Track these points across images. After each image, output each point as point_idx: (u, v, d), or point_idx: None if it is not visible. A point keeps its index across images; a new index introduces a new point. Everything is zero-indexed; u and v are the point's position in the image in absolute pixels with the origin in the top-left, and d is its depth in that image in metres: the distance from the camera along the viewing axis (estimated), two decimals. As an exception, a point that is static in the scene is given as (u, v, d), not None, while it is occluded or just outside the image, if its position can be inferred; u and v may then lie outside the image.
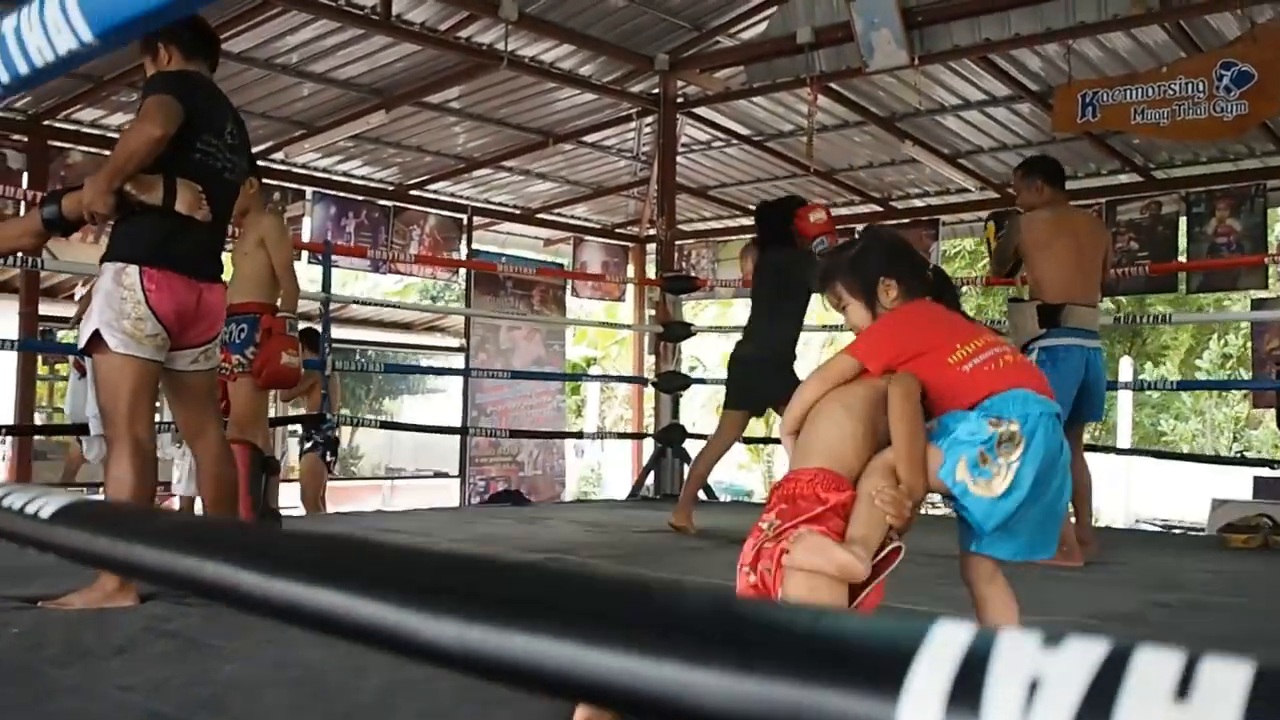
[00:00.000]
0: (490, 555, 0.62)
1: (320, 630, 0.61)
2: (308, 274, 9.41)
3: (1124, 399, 14.65)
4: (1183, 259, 9.23)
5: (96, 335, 3.36)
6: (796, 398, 2.36)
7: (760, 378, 5.50)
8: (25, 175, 8.13)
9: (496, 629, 0.52)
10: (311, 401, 8.69)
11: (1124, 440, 14.76)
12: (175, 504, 6.71)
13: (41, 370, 12.78)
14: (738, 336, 5.93)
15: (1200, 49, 7.31)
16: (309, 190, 9.98)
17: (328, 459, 8.86)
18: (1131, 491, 12.53)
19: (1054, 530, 2.30)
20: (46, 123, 8.31)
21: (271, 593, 0.62)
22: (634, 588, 0.51)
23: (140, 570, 0.73)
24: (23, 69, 0.95)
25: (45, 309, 8.99)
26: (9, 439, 8.46)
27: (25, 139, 8.29)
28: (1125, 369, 15.38)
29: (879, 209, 11.06)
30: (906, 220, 10.85)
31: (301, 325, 8.85)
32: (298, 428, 8.11)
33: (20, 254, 7.74)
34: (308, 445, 8.74)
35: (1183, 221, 9.24)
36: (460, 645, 0.53)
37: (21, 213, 7.03)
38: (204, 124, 3.43)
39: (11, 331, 8.24)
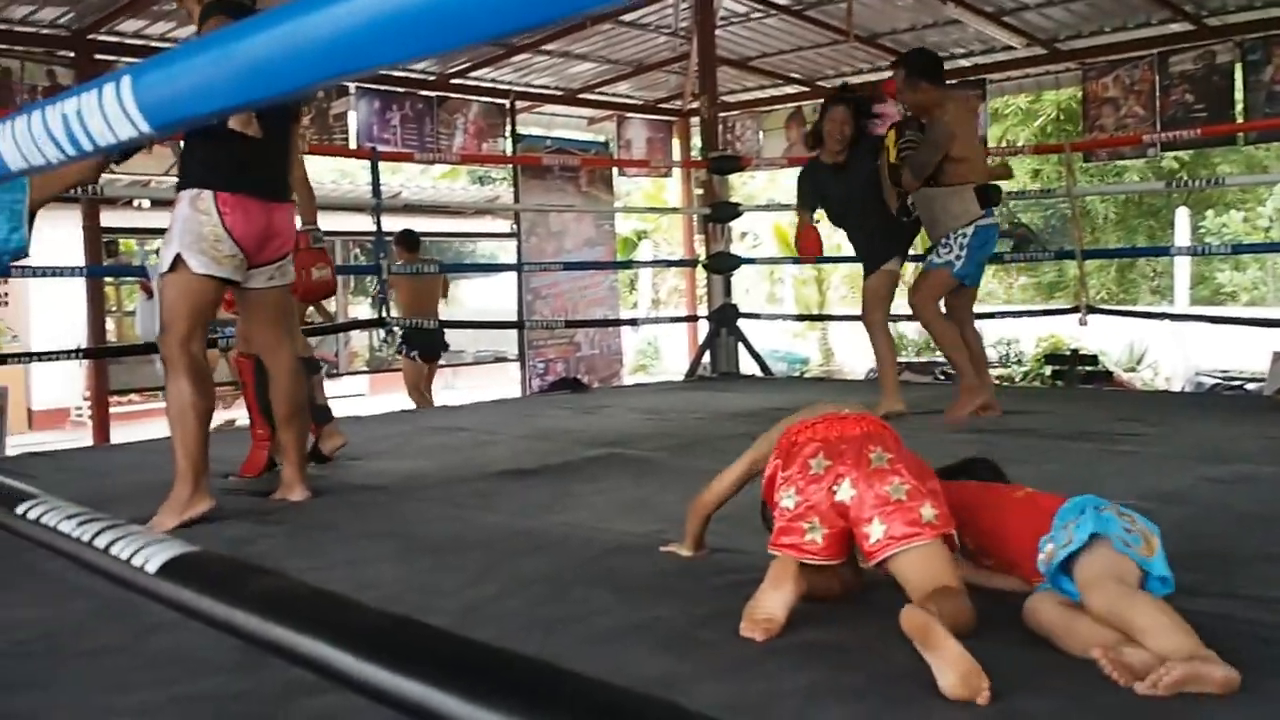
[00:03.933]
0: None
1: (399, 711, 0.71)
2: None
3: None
4: (1239, 110, 9.02)
5: (179, 258, 3.53)
6: None
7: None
8: (75, 90, 8.22)
9: None
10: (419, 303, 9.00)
11: (1181, 293, 14.56)
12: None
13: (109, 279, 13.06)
14: (788, 214, 6.10)
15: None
16: (352, 86, 9.99)
17: (411, 355, 9.16)
18: (1191, 345, 12.43)
19: None
20: (90, 37, 8.36)
21: (357, 674, 0.73)
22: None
23: (238, 633, 0.84)
24: (87, 146, 1.04)
25: (106, 219, 9.14)
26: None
27: (72, 54, 8.36)
28: (1182, 221, 15.06)
29: (925, 71, 10.88)
30: (954, 81, 10.65)
31: (401, 227, 9.09)
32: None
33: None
34: (397, 344, 9.23)
35: (1238, 70, 9.02)
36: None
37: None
38: None
39: (75, 244, 8.45)
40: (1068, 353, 11.93)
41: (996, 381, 11.59)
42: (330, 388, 13.81)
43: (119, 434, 8.21)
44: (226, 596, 0.86)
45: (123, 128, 0.97)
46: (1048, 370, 11.97)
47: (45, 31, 8.31)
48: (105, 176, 8.66)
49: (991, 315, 13.21)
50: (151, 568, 0.92)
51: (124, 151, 3.59)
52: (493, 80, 11.12)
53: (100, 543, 0.99)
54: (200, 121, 0.92)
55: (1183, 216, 15.25)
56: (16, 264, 4.61)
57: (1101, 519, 2.17)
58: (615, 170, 12.26)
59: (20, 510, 1.14)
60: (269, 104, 3.58)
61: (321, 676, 0.77)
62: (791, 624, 2.23)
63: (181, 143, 3.71)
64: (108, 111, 0.98)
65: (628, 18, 10.09)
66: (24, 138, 1.12)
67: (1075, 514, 2.23)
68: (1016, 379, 12.84)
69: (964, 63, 10.80)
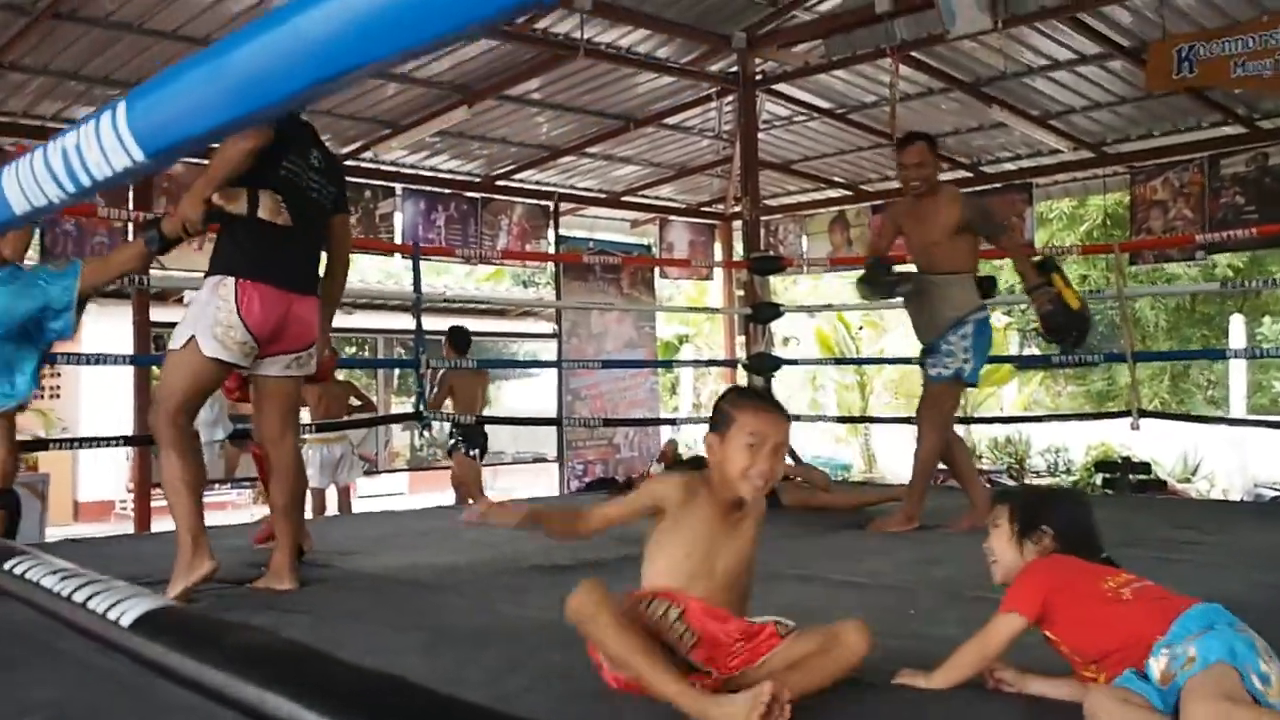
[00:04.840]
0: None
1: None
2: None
3: (1236, 360, 14.08)
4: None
5: (192, 339, 3.58)
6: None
7: None
8: (130, 191, 8.44)
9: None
10: (462, 402, 8.75)
11: (1238, 402, 14.25)
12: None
13: (156, 371, 13.23)
14: (828, 315, 6.04)
15: (1303, -5, 7.04)
16: (398, 187, 10.15)
17: (471, 453, 8.89)
18: (1249, 455, 12.12)
19: None
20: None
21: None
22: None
23: (206, 691, 0.77)
24: (85, 182, 1.00)
25: (156, 314, 9.26)
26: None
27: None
28: (1236, 329, 14.78)
29: (969, 174, 10.87)
30: (998, 185, 10.65)
31: (444, 326, 8.99)
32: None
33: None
34: (452, 443, 8.88)
35: (1292, 172, 8.95)
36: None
37: (132, 231, 7.53)
38: (288, 145, 3.70)
39: (127, 339, 8.63)
40: (1119, 460, 11.69)
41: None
42: (370, 485, 13.78)
43: (160, 525, 8.19)
44: (197, 651, 0.79)
45: (118, 158, 0.94)
46: (1098, 479, 11.70)
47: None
48: (156, 272, 8.82)
49: (1041, 419, 13.05)
50: (126, 621, 0.86)
51: (163, 245, 3.70)
52: (536, 182, 11.24)
53: (79, 597, 0.93)
54: (196, 143, 0.88)
55: (1237, 324, 14.97)
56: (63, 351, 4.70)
57: (1234, 649, 2.02)
58: (657, 272, 12.29)
59: (6, 566, 1.09)
60: (302, 201, 3.65)
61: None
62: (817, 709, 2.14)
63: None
64: (104, 142, 0.94)
65: (671, 121, 10.19)
66: (27, 179, 1.09)
67: (1202, 625, 2.08)
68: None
69: (1009, 166, 10.79)
